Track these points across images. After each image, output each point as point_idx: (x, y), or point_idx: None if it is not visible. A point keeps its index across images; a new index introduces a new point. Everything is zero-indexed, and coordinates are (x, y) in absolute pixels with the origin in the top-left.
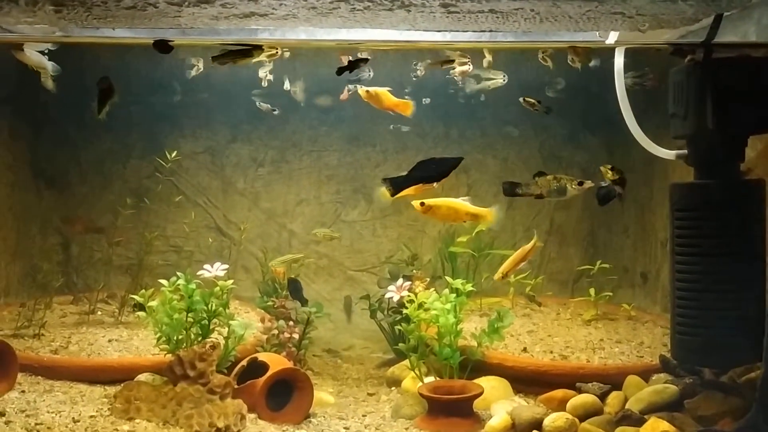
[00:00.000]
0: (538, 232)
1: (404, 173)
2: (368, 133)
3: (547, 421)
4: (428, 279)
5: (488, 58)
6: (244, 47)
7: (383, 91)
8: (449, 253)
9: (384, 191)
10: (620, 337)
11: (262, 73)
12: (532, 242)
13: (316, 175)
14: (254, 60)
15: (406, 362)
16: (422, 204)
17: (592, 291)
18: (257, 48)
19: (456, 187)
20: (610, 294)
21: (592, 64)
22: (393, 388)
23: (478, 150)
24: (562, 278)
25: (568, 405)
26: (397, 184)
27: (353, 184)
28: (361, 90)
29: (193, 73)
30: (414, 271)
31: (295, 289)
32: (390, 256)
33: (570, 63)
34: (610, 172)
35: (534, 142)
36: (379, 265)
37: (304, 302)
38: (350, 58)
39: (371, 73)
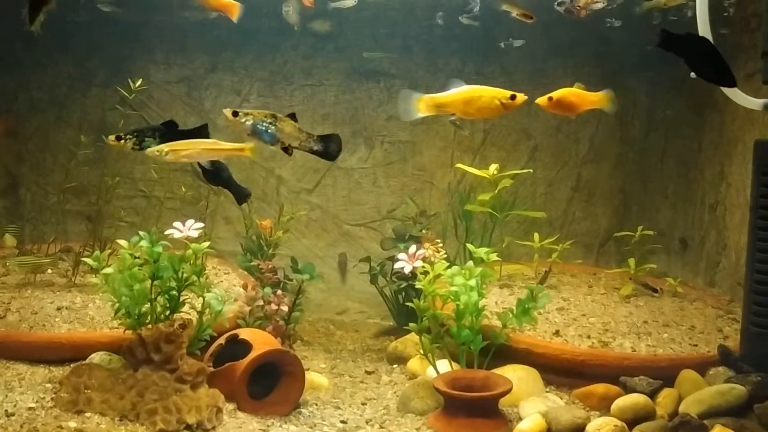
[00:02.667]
0: (563, 187)
1: None
2: (371, 66)
3: (592, 428)
4: (439, 241)
5: None
6: None
7: None
8: (464, 211)
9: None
10: (667, 318)
11: None
12: None
13: (309, 114)
14: None
15: (411, 336)
16: (549, 98)
17: (631, 262)
18: None
19: (470, 134)
20: (654, 266)
21: None
22: (395, 366)
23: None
24: (586, 241)
25: (615, 406)
26: None
27: (352, 125)
28: None
29: None
30: (423, 231)
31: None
32: (392, 209)
33: None
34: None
35: (564, 82)
36: (380, 220)
37: (238, 191)
38: None
39: None
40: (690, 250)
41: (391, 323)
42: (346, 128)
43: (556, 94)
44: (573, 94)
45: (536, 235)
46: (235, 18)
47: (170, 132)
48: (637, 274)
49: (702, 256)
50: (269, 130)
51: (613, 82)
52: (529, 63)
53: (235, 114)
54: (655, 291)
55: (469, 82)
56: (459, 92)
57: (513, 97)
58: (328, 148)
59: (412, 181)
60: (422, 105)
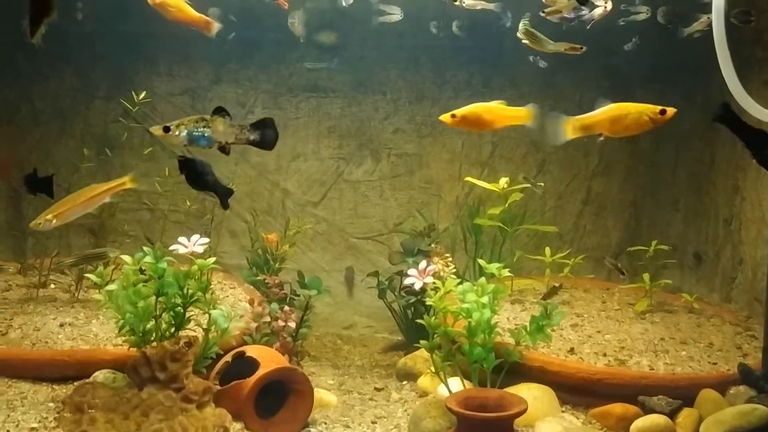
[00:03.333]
0: (573, 201)
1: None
2: (377, 78)
3: None
4: (449, 255)
5: None
6: None
7: (181, 1)
8: (473, 225)
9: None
10: (684, 335)
11: None
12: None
13: (315, 126)
14: None
15: (421, 352)
16: (453, 116)
17: (646, 276)
18: None
19: (478, 146)
20: (669, 282)
21: None
22: (405, 383)
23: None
24: (597, 255)
25: (635, 427)
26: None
27: (358, 138)
28: None
29: None
30: (432, 245)
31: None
32: (399, 223)
33: None
34: None
35: (573, 93)
36: (387, 234)
37: (223, 193)
38: None
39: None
40: (704, 265)
41: (400, 338)
42: (352, 141)
43: (460, 111)
44: (485, 110)
45: (548, 250)
46: (212, 34)
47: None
48: (652, 290)
49: (717, 272)
50: (205, 134)
51: (623, 94)
52: (539, 75)
53: (167, 129)
54: (623, 273)
55: (475, 94)
56: (605, 111)
57: (663, 112)
58: (265, 135)
59: (419, 194)
60: (569, 127)
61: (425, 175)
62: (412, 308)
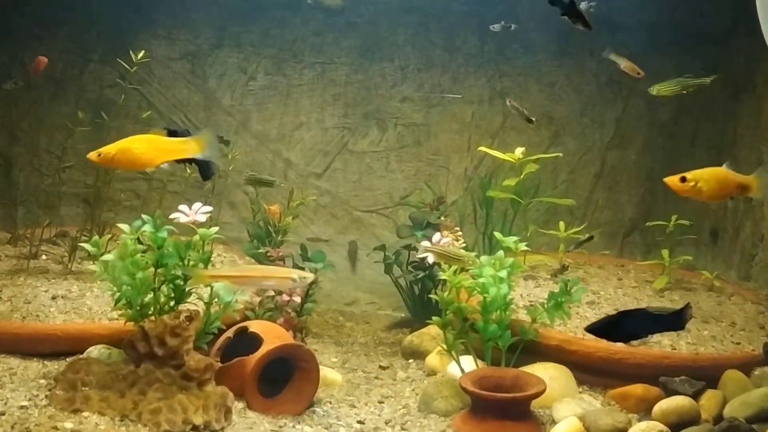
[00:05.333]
0: (585, 174)
1: None
2: (385, 43)
3: None
4: (458, 229)
5: None
6: None
7: None
8: (485, 198)
9: None
10: (705, 314)
11: None
12: None
13: (319, 94)
14: None
15: (428, 329)
16: (683, 179)
17: (665, 253)
18: None
19: (488, 117)
20: (690, 258)
21: None
22: (411, 361)
23: (519, 71)
24: (610, 231)
25: (658, 409)
26: None
27: (364, 106)
28: None
29: None
30: (442, 218)
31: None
32: (405, 195)
33: None
34: None
35: (589, 65)
36: (392, 207)
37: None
38: None
39: None
40: (721, 241)
41: (403, 315)
42: (358, 109)
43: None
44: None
45: (562, 224)
46: None
47: None
48: (671, 267)
49: (736, 249)
50: None
51: (641, 63)
52: (553, 40)
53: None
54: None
55: (488, 62)
56: None
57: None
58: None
59: (426, 166)
60: None
61: (433, 146)
62: (420, 284)
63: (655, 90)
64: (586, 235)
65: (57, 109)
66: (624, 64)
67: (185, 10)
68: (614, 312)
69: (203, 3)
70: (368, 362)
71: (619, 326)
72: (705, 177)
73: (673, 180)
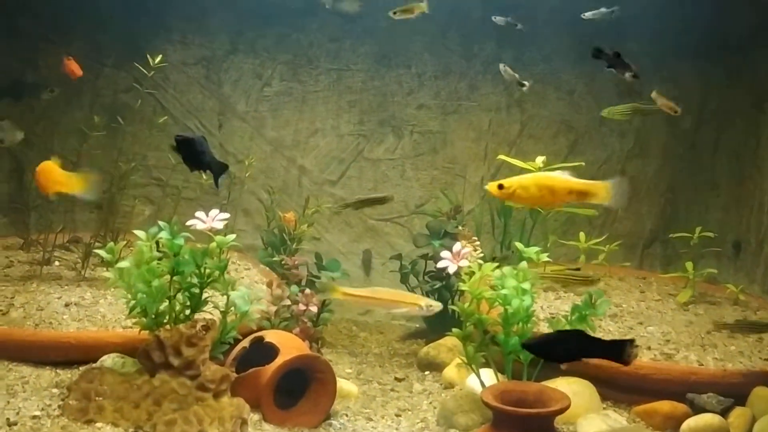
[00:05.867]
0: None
1: None
2: (402, 50)
3: None
4: (476, 239)
5: None
6: None
7: None
8: (502, 207)
9: None
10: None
11: None
12: None
13: (335, 101)
14: None
15: (445, 341)
16: (500, 187)
17: (689, 265)
18: None
19: (506, 125)
20: (715, 271)
21: None
22: (427, 373)
23: (537, 78)
24: (629, 243)
25: (686, 427)
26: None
27: (380, 113)
28: None
29: None
30: (459, 227)
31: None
32: (420, 204)
33: None
34: None
35: (609, 73)
36: (408, 216)
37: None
38: None
39: None
40: (744, 254)
41: (418, 326)
42: (374, 116)
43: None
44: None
45: (582, 235)
46: None
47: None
48: (694, 280)
49: (759, 262)
50: None
51: (664, 71)
52: (571, 48)
53: None
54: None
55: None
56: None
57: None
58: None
59: (442, 175)
60: None
61: (449, 154)
62: (436, 294)
63: (606, 112)
64: (575, 268)
65: (71, 114)
66: (661, 102)
67: (200, 15)
68: (554, 331)
69: (219, 8)
70: (383, 373)
71: (556, 346)
72: (524, 184)
73: (492, 186)
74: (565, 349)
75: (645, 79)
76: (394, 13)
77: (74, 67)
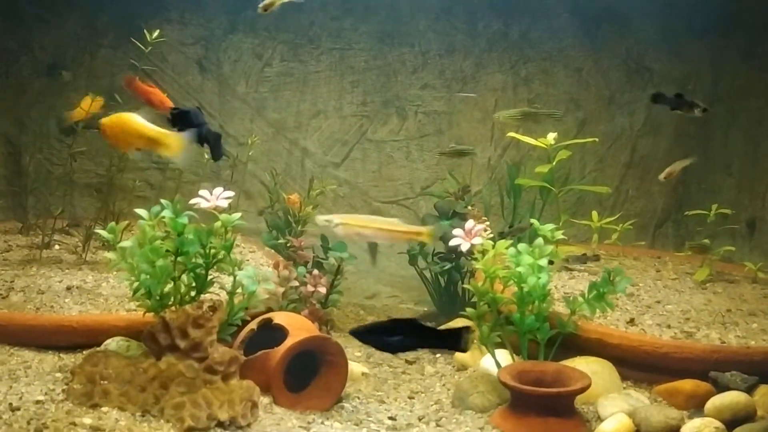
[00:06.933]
0: (615, 163)
1: None
2: (405, 28)
3: (688, 430)
4: (486, 219)
5: None
6: None
7: None
8: (512, 186)
9: None
10: (751, 307)
11: None
12: None
13: (337, 81)
14: None
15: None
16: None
17: (707, 243)
18: None
19: (512, 104)
20: (732, 249)
21: None
22: (438, 355)
23: (544, 56)
24: (641, 222)
25: (711, 405)
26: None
27: (383, 94)
28: None
29: None
30: (468, 207)
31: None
32: (426, 186)
33: None
34: None
35: (618, 48)
36: (413, 198)
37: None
38: None
39: None
40: (759, 233)
41: (425, 309)
42: (377, 97)
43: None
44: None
45: (595, 214)
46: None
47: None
48: (712, 259)
49: None
50: None
51: (675, 47)
52: (581, 25)
53: None
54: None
55: (512, 47)
56: None
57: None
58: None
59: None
60: None
61: (455, 134)
62: (446, 275)
63: (499, 116)
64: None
65: (67, 96)
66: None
67: None
68: (388, 319)
69: None
70: (393, 356)
71: (387, 334)
72: (106, 122)
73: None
74: (397, 338)
75: (655, 56)
76: None
77: (161, 97)
